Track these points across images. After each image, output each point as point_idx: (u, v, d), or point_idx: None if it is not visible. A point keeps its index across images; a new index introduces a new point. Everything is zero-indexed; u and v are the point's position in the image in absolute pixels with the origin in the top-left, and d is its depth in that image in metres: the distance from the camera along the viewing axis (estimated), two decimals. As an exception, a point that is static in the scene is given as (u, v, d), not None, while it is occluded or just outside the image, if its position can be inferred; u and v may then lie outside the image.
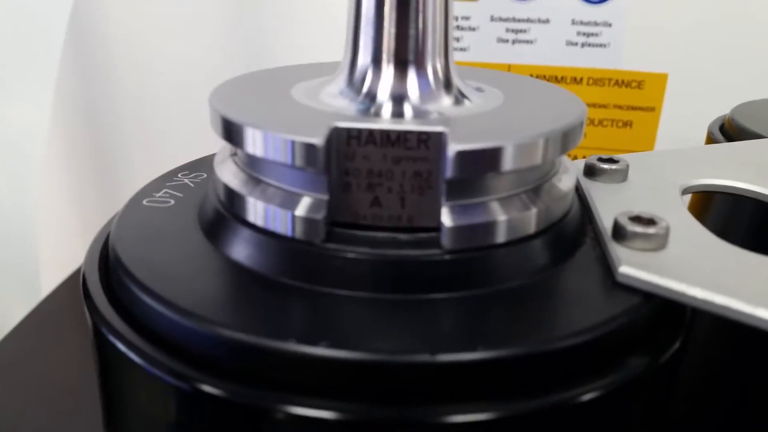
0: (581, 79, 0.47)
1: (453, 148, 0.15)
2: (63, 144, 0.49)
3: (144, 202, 0.20)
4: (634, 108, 0.47)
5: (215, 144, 0.18)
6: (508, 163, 0.15)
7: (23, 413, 0.30)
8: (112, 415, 0.18)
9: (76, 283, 0.39)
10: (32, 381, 0.32)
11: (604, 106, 0.47)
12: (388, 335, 0.14)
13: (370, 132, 0.15)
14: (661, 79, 0.46)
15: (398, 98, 0.17)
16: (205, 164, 0.22)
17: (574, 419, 0.15)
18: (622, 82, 0.47)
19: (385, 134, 0.15)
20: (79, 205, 0.51)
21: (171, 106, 0.50)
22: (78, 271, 0.41)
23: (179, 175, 0.21)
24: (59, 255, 0.48)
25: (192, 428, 0.15)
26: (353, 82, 0.18)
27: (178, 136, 0.50)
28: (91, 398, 0.19)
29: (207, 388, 0.14)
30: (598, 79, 0.47)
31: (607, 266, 0.17)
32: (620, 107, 0.47)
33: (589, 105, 0.47)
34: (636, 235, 0.17)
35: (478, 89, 0.19)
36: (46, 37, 0.46)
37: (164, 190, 0.20)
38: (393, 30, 0.17)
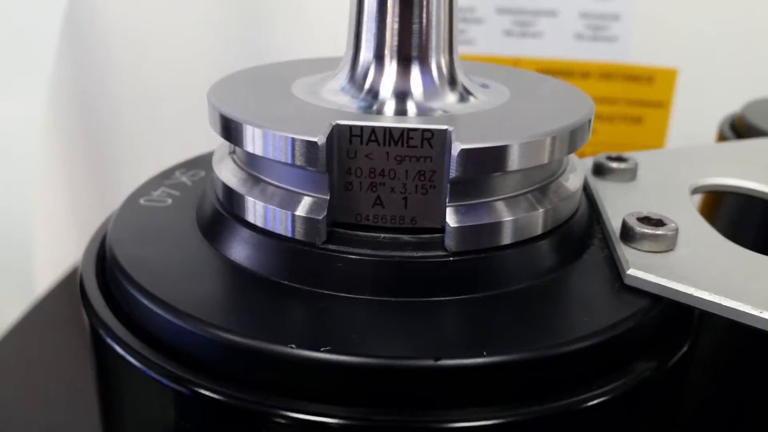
0: (590, 74, 0.46)
1: (457, 147, 0.14)
2: (58, 140, 0.48)
3: (141, 201, 0.19)
4: (644, 103, 0.46)
5: (214, 139, 0.18)
6: (514, 162, 0.15)
7: (20, 414, 0.29)
8: (110, 417, 0.18)
9: (72, 282, 0.39)
10: (29, 381, 0.32)
11: (614, 102, 0.47)
12: (391, 340, 0.14)
13: (373, 130, 0.15)
14: (670, 75, 0.45)
15: (401, 95, 0.17)
16: (202, 162, 0.22)
17: (582, 424, 0.14)
18: (632, 76, 0.46)
19: (388, 132, 0.15)
20: (74, 202, 0.50)
21: (169, 101, 0.50)
22: (75, 270, 0.41)
23: (176, 173, 0.21)
24: (54, 252, 0.48)
25: None
26: (355, 79, 0.17)
27: (176, 131, 0.49)
28: (88, 399, 0.18)
29: (205, 392, 0.14)
30: (607, 74, 0.46)
31: (615, 268, 0.16)
32: (630, 102, 0.47)
33: (598, 100, 0.46)
34: (644, 236, 0.16)
35: (483, 85, 0.19)
36: (42, 30, 0.46)
37: (161, 189, 0.20)
38: (396, 25, 0.16)
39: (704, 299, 0.15)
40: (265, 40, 0.48)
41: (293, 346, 0.13)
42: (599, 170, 0.20)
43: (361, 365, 0.13)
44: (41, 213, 0.48)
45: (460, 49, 0.18)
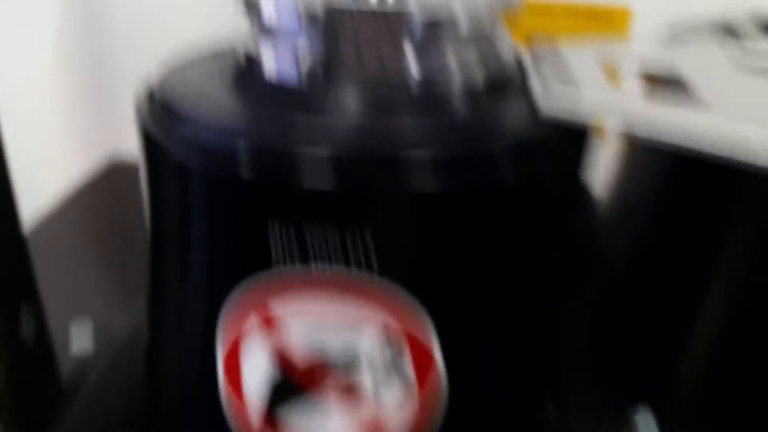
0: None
1: (419, 21, 0.21)
2: (64, 97, 0.52)
3: (181, 65, 0.25)
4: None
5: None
6: (462, 29, 0.21)
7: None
8: (156, 223, 0.24)
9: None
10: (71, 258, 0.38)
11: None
12: (369, 138, 0.19)
13: (359, 11, 0.21)
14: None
15: None
16: (225, 40, 0.27)
17: (496, 206, 0.20)
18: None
19: (371, 13, 0.21)
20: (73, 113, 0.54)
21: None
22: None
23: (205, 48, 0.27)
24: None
25: (217, 210, 0.21)
26: None
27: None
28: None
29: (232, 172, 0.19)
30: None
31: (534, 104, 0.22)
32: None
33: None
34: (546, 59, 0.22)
35: None
36: None
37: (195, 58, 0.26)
38: None
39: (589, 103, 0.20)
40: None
41: (295, 141, 0.19)
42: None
43: (341, 156, 0.19)
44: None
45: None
